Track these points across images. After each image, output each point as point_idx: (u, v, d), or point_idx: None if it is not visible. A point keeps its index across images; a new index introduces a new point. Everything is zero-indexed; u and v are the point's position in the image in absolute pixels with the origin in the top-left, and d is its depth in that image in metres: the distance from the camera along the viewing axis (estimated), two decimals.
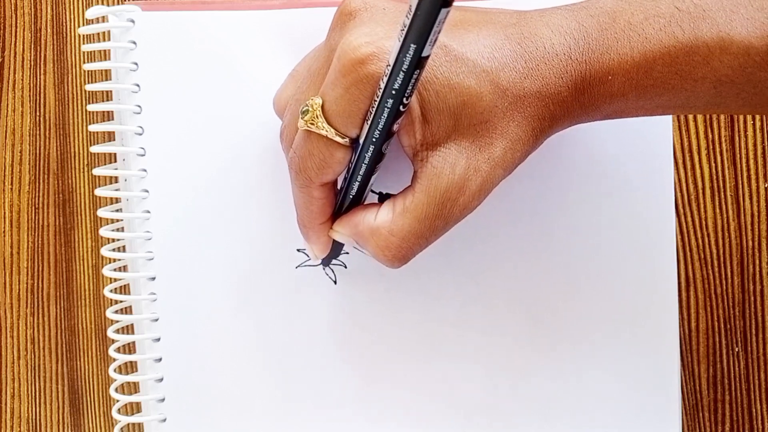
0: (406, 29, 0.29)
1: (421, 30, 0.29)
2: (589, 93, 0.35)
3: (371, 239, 0.36)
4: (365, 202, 0.38)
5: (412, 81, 0.31)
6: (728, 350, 0.46)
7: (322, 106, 0.33)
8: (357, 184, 0.36)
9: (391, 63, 0.30)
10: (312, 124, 0.34)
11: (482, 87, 0.33)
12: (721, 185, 0.46)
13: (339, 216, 0.38)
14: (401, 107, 0.32)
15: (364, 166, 0.35)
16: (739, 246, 0.46)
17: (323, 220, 0.38)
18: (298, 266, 0.43)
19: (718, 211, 0.46)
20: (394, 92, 0.31)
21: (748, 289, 0.46)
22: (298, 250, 0.43)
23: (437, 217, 0.35)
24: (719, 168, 0.46)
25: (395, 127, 0.33)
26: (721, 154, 0.46)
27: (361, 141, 0.34)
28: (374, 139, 0.33)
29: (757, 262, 0.46)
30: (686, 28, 0.34)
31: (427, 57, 0.30)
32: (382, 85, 0.31)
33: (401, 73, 0.30)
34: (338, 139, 0.34)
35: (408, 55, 0.30)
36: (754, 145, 0.46)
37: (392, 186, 0.38)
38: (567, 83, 0.34)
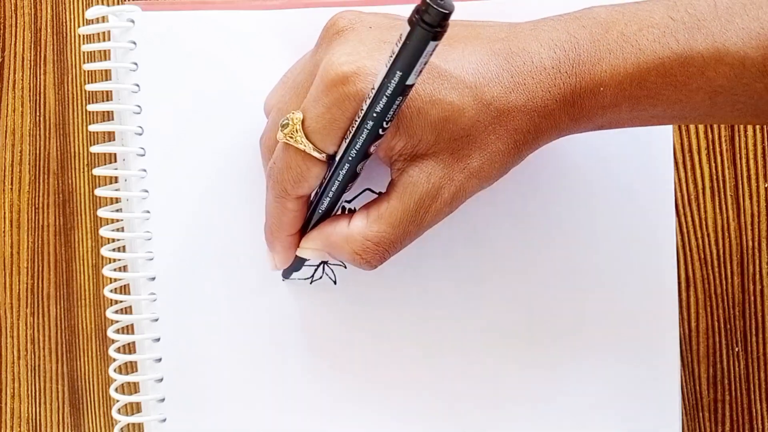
0: (394, 56, 0.30)
1: (409, 59, 0.29)
2: (580, 105, 0.35)
3: (346, 246, 0.36)
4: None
5: (394, 107, 0.31)
6: (728, 350, 0.46)
7: (303, 121, 0.34)
8: (328, 200, 0.37)
9: (376, 87, 0.31)
10: (291, 137, 0.34)
11: (465, 102, 0.34)
12: (721, 185, 0.46)
13: (306, 231, 0.38)
14: (380, 131, 0.33)
15: (337, 183, 0.35)
16: (739, 246, 0.46)
17: (292, 232, 0.38)
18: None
19: (718, 211, 0.46)
20: (375, 115, 0.32)
21: (748, 289, 0.46)
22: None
23: (411, 223, 0.35)
24: (719, 168, 0.46)
25: (372, 149, 0.34)
26: (721, 154, 0.46)
27: (338, 159, 0.34)
28: (350, 159, 0.34)
29: (757, 262, 0.46)
30: (681, 38, 0.33)
31: (412, 85, 0.31)
32: (365, 107, 0.32)
33: (384, 97, 0.31)
34: (316, 154, 0.34)
35: (393, 81, 0.30)
36: (754, 145, 0.46)
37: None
38: (555, 96, 0.34)
